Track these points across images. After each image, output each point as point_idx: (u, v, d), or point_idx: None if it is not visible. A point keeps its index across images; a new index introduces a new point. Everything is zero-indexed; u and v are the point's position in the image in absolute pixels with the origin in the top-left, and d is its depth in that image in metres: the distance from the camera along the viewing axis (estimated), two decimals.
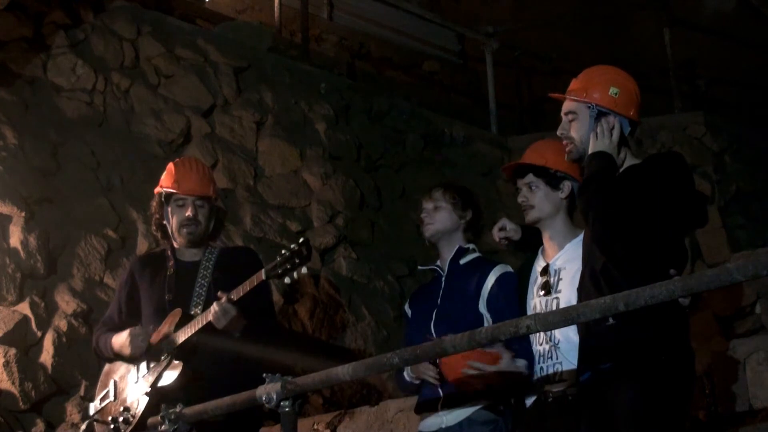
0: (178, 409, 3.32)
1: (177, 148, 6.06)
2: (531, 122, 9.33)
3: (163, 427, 3.28)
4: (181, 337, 3.82)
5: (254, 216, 6.12)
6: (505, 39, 8.44)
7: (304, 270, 3.60)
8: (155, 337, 3.91)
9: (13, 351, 4.82)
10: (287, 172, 6.46)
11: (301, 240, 3.64)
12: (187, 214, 4.05)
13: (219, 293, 3.76)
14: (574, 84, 3.35)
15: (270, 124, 6.50)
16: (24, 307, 4.97)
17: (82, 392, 4.97)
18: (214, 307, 3.74)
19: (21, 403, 4.79)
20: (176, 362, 3.81)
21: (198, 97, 6.26)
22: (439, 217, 3.91)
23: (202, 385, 3.74)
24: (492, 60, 8.22)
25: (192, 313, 3.90)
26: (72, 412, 4.93)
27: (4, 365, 4.77)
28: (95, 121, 5.83)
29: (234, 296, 3.74)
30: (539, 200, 3.59)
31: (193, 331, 3.80)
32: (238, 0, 8.49)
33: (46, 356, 4.94)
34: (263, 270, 3.70)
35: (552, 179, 3.59)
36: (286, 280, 3.64)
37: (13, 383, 4.78)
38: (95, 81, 5.88)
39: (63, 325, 5.02)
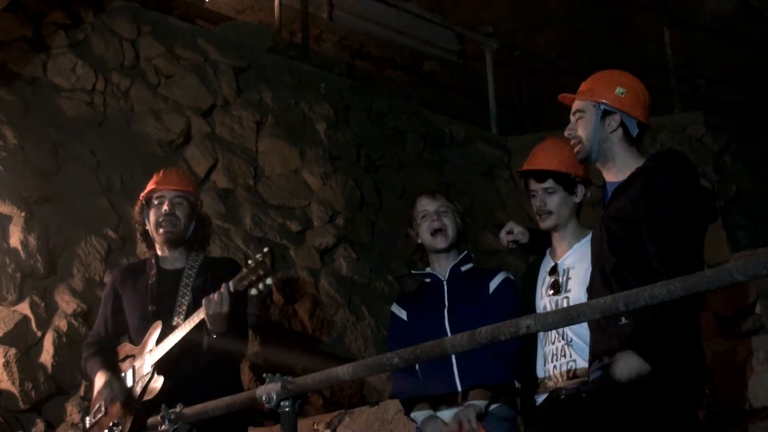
0: (178, 409, 3.32)
1: (177, 148, 6.06)
2: (531, 122, 9.34)
3: (163, 427, 3.28)
4: (163, 348, 3.82)
5: (254, 216, 6.12)
6: (505, 39, 8.44)
7: (269, 281, 3.58)
8: (139, 351, 3.92)
9: (13, 351, 4.82)
10: (287, 172, 6.46)
11: (264, 250, 3.62)
12: (163, 209, 4.02)
13: (222, 286, 3.72)
14: (582, 86, 3.39)
15: (270, 124, 6.50)
16: (24, 307, 4.97)
17: (82, 392, 4.96)
18: (214, 295, 3.70)
19: (21, 403, 4.79)
20: (157, 376, 3.80)
21: (198, 97, 6.26)
22: (449, 223, 3.88)
23: (188, 393, 3.71)
24: (492, 60, 8.22)
25: (174, 323, 3.88)
26: (72, 412, 4.93)
27: (4, 365, 4.77)
28: (95, 121, 5.83)
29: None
30: (557, 206, 3.60)
31: (176, 341, 3.78)
32: (238, 0, 8.49)
33: (46, 356, 4.94)
34: (231, 282, 3.69)
35: (570, 184, 3.61)
36: (253, 291, 3.63)
37: (13, 383, 4.78)
38: (95, 81, 5.88)
39: (63, 325, 5.02)
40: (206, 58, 6.43)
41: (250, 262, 3.63)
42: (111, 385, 3.92)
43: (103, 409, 3.94)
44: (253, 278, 3.60)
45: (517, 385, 3.68)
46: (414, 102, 7.80)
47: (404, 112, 7.43)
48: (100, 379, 3.97)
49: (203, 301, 3.73)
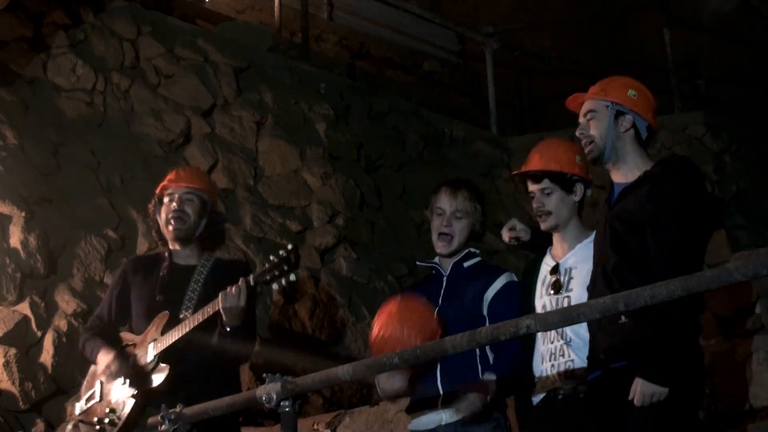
0: (178, 409, 3.32)
1: (177, 148, 6.06)
2: (531, 122, 9.33)
3: (163, 427, 3.27)
4: (170, 339, 3.80)
5: (254, 216, 6.12)
6: (505, 39, 8.44)
7: (292, 277, 3.58)
8: (141, 340, 3.90)
9: (13, 351, 4.82)
10: (287, 172, 6.46)
11: (289, 246, 3.62)
12: (172, 206, 4.02)
13: (241, 279, 3.72)
14: (593, 89, 3.41)
15: (270, 124, 6.50)
16: (24, 307, 4.97)
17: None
18: (231, 288, 3.68)
19: (21, 403, 4.79)
20: (163, 365, 3.79)
21: (198, 97, 6.26)
22: (459, 228, 3.77)
23: (189, 387, 3.72)
24: (492, 60, 8.22)
25: (181, 316, 3.87)
26: (72, 412, 4.93)
27: (4, 365, 4.78)
28: (95, 121, 5.83)
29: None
30: (556, 205, 3.58)
31: (184, 332, 3.77)
32: (238, 0, 8.49)
33: (46, 356, 4.94)
34: (251, 275, 3.69)
35: (567, 183, 3.59)
36: (274, 286, 3.63)
37: (13, 383, 4.78)
38: (95, 81, 5.88)
39: (63, 325, 5.02)
40: (206, 58, 6.44)
41: (272, 257, 3.63)
42: (118, 359, 3.87)
43: (97, 395, 3.91)
44: (277, 273, 3.59)
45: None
46: (414, 102, 7.80)
47: (404, 112, 7.43)
48: (104, 356, 3.91)
49: (220, 294, 3.71)
